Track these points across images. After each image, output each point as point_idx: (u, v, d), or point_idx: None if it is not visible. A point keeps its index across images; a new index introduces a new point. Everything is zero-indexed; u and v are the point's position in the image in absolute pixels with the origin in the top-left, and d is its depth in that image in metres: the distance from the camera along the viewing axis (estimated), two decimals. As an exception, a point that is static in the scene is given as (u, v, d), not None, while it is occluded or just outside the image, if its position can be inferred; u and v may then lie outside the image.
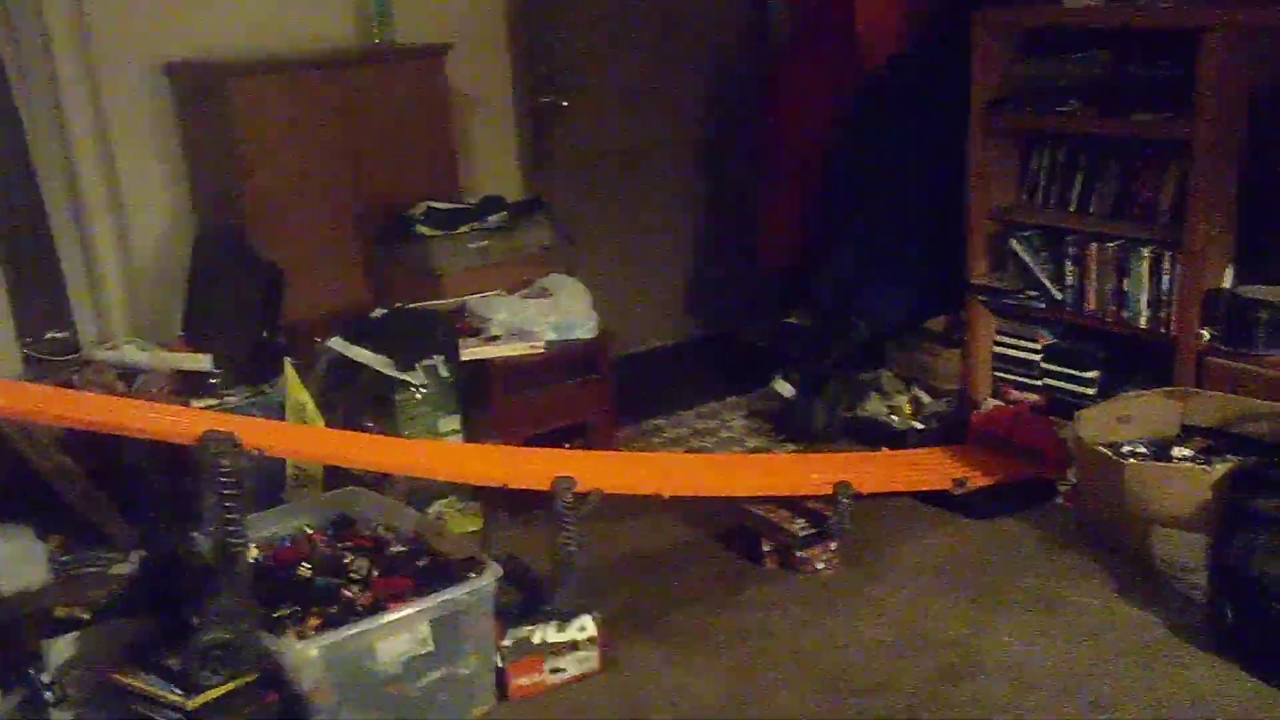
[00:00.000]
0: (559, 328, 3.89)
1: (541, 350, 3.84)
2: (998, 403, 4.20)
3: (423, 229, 4.02)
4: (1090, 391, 4.02)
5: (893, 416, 4.30)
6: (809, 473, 3.68)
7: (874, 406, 4.36)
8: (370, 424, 3.61)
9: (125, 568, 3.15)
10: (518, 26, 4.73)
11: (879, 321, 4.47)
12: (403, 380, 3.65)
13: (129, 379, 3.62)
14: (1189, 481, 3.19)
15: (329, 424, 3.53)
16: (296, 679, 2.58)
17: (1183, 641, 2.97)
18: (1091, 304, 3.98)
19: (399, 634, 2.65)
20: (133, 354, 3.72)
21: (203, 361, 3.68)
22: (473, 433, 3.75)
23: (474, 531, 3.52)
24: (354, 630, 2.60)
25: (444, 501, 3.66)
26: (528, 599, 3.00)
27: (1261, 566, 2.82)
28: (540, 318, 3.88)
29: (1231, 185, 3.64)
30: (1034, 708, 2.77)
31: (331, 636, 2.58)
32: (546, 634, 2.89)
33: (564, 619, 2.92)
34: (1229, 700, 2.75)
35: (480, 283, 4.03)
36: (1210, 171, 3.58)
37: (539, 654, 2.89)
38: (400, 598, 2.72)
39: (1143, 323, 3.85)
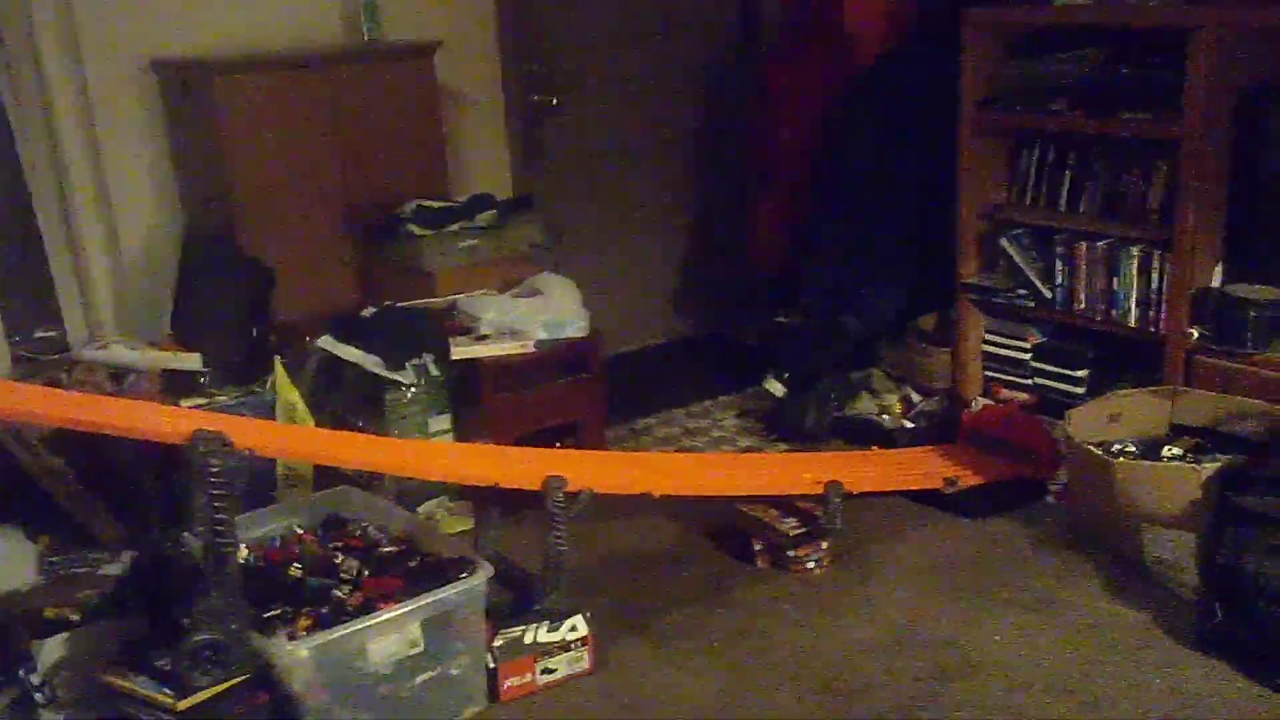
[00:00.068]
0: (549, 327, 3.88)
1: (532, 349, 3.83)
2: (988, 402, 4.21)
3: (412, 227, 4.01)
4: (1080, 390, 4.03)
5: (884, 416, 4.31)
6: (800, 472, 3.68)
7: (865, 406, 4.36)
8: (360, 423, 3.60)
9: (115, 568, 3.14)
10: (508, 24, 4.71)
11: (870, 320, 4.48)
12: (393, 379, 3.65)
13: (118, 378, 3.60)
14: (1179, 480, 3.19)
15: (319, 423, 3.53)
16: (287, 679, 2.57)
17: (1173, 640, 2.98)
18: (1081, 303, 3.99)
19: (390, 634, 2.65)
20: (122, 353, 3.71)
21: (192, 361, 3.67)
22: (463, 432, 3.75)
23: (465, 531, 3.51)
24: (345, 631, 2.60)
25: (435, 501, 3.66)
26: (519, 599, 3.00)
27: (1251, 565, 2.82)
28: (531, 317, 3.87)
29: (1220, 184, 3.65)
30: (1025, 706, 2.78)
31: (322, 637, 2.58)
32: (538, 634, 2.89)
33: (555, 619, 2.91)
34: (1219, 698, 2.76)
35: (470, 281, 4.03)
36: (1199, 171, 3.58)
37: (530, 654, 2.89)
38: (391, 598, 2.72)
39: (1132, 322, 3.85)
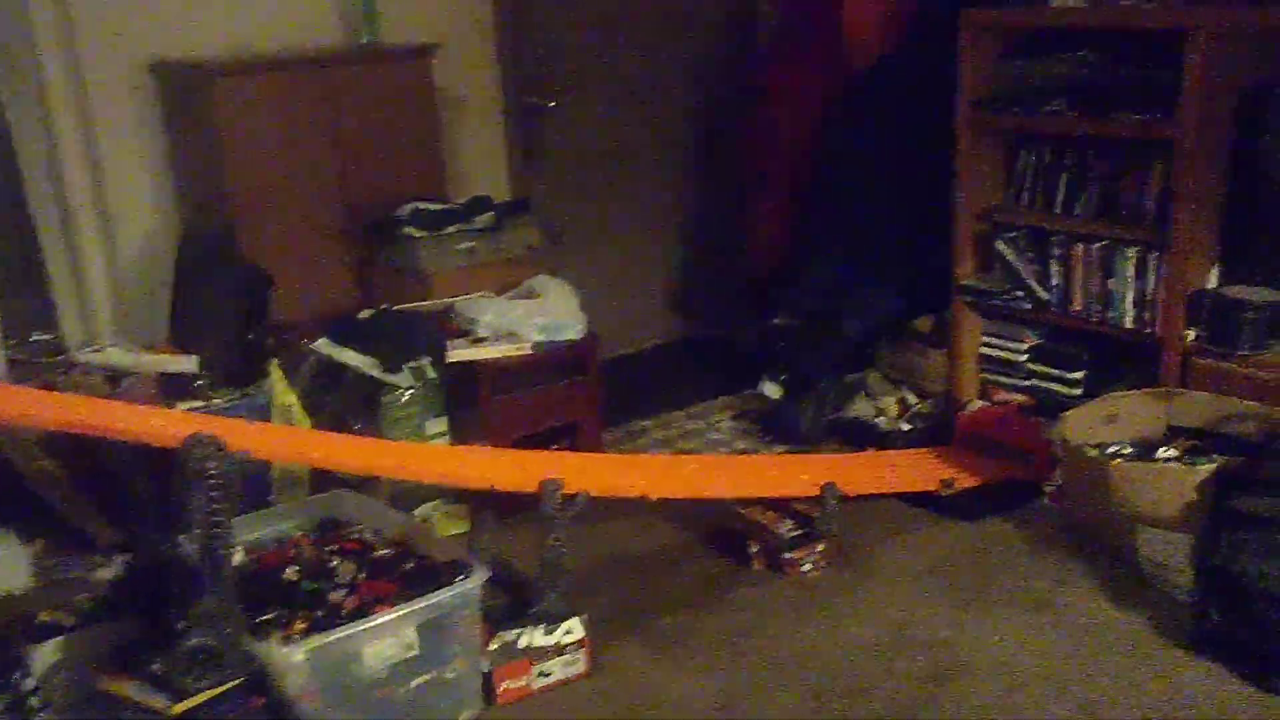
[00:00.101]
0: (546, 329, 3.88)
1: (529, 351, 3.83)
2: (984, 403, 4.21)
3: (410, 230, 4.01)
4: (1076, 392, 4.03)
5: (879, 418, 4.31)
6: (796, 474, 3.68)
7: (861, 408, 4.36)
8: (357, 426, 3.60)
9: (110, 572, 3.13)
10: (505, 27, 4.72)
11: (866, 322, 4.48)
12: (390, 382, 3.64)
13: (114, 381, 3.59)
14: (1175, 481, 3.20)
15: (315, 426, 3.52)
16: (282, 683, 2.57)
17: (1168, 641, 2.98)
18: (1077, 304, 3.99)
19: (385, 638, 2.65)
20: (118, 356, 3.70)
21: (188, 363, 3.66)
22: (460, 434, 3.75)
23: (461, 534, 3.51)
24: (340, 634, 2.59)
25: (431, 504, 3.65)
26: (515, 601, 3.00)
27: (1246, 566, 2.83)
28: (527, 319, 3.87)
29: (1216, 186, 3.65)
30: (1021, 708, 2.78)
31: (317, 640, 2.57)
32: (534, 637, 2.89)
33: (551, 622, 2.91)
34: (1214, 700, 2.76)
35: (467, 284, 4.03)
36: (1195, 172, 3.58)
37: (526, 657, 2.89)
38: (387, 601, 2.72)
39: (1128, 323, 3.85)
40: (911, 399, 4.39)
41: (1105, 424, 3.62)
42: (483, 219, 4.13)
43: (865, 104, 4.58)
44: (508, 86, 4.79)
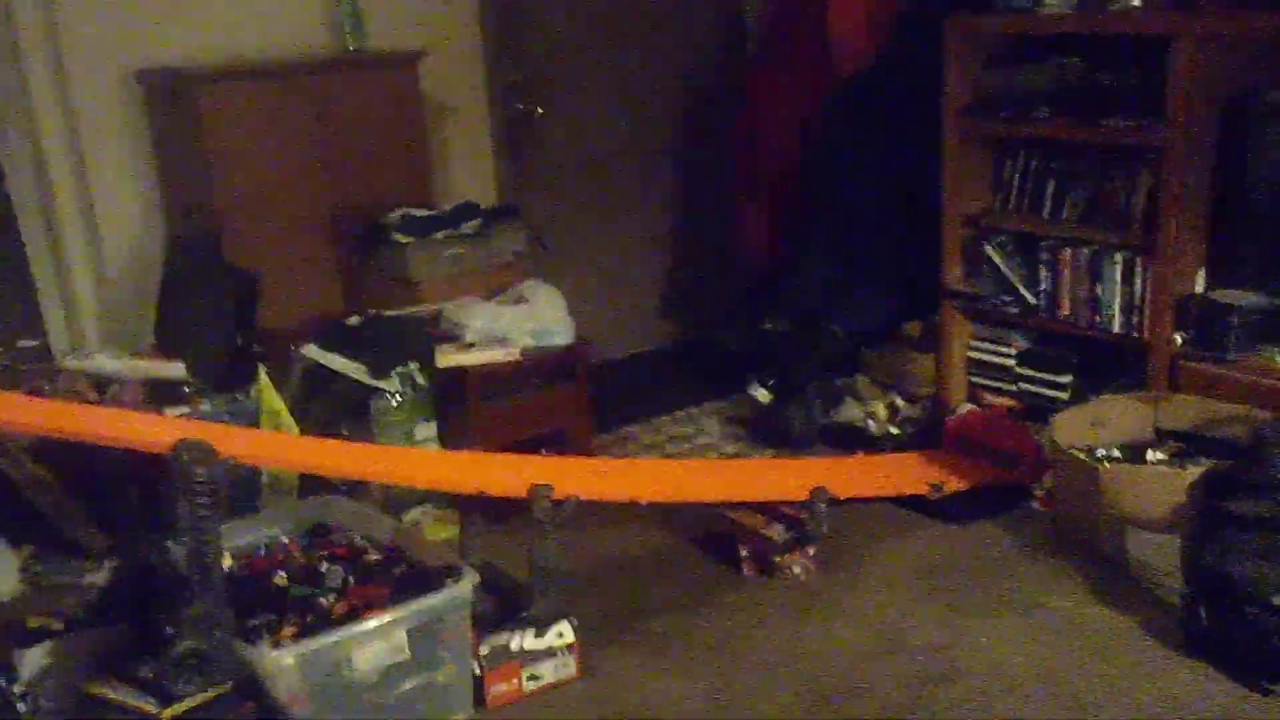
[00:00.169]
0: (535, 334, 3.88)
1: (518, 357, 3.83)
2: (973, 407, 4.22)
3: (398, 235, 4.01)
4: (1065, 396, 4.04)
5: (869, 422, 4.31)
6: (786, 478, 3.68)
7: (850, 412, 4.36)
8: (346, 431, 3.59)
9: (99, 577, 3.12)
10: (492, 34, 4.72)
11: (855, 327, 4.49)
12: (378, 388, 3.64)
13: (102, 387, 3.59)
14: (1164, 485, 3.21)
15: (304, 431, 3.51)
16: (272, 688, 2.56)
17: (1158, 644, 2.98)
18: (1065, 309, 4.00)
19: (375, 642, 2.64)
20: (105, 362, 3.69)
21: (176, 369, 3.65)
22: (449, 440, 3.74)
23: (451, 538, 3.50)
24: (330, 639, 2.58)
25: (420, 508, 3.65)
26: (505, 606, 2.99)
27: (1236, 569, 2.83)
28: (516, 324, 3.87)
29: (1203, 191, 3.67)
30: (1012, 710, 2.78)
31: (307, 645, 2.57)
32: (524, 641, 2.89)
33: (542, 626, 2.91)
34: (1204, 702, 2.76)
35: (456, 289, 4.02)
36: (1181, 177, 3.60)
37: (517, 661, 2.88)
38: (377, 606, 2.71)
39: (1116, 327, 3.87)
40: (901, 403, 4.39)
41: (1094, 427, 3.63)
42: (471, 225, 4.13)
43: (853, 109, 4.59)
44: (495, 93, 4.79)
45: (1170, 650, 2.95)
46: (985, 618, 3.16)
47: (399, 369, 3.68)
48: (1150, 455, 3.50)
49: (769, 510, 3.47)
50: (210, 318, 3.77)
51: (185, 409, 3.52)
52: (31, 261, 4.01)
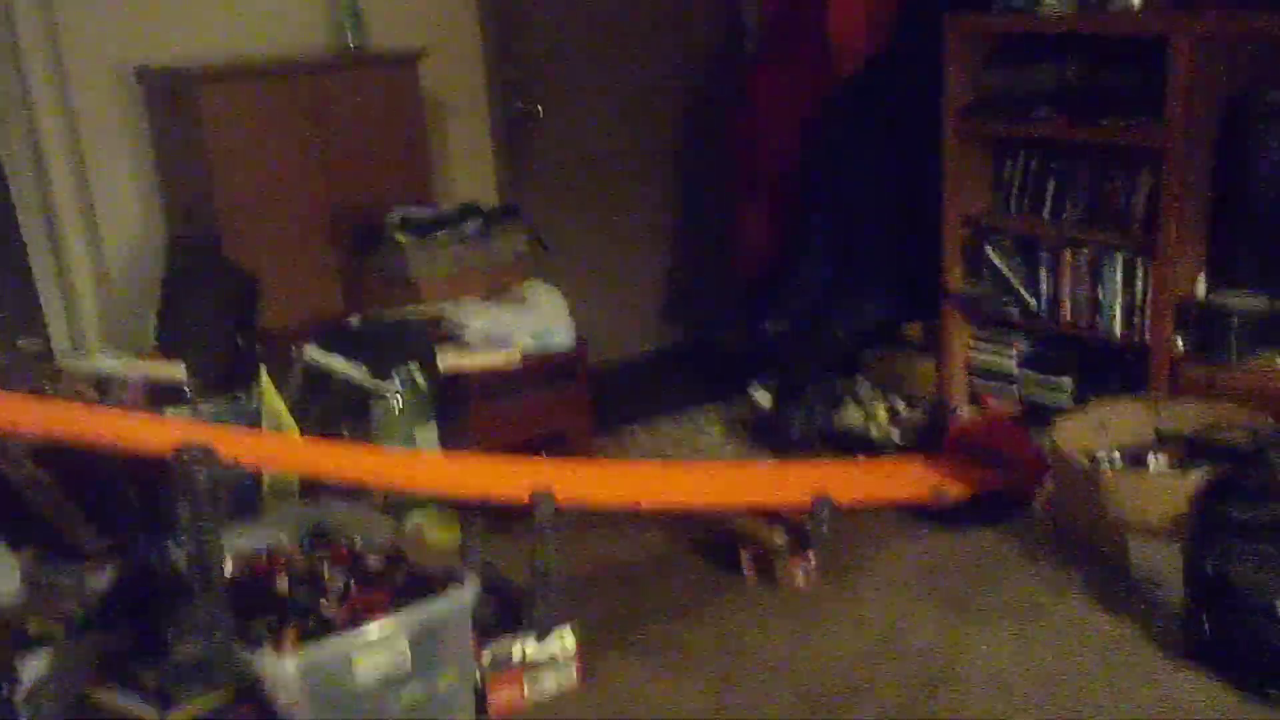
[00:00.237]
0: (536, 336, 3.88)
1: (518, 358, 3.83)
2: (974, 411, 4.22)
3: (398, 236, 4.00)
4: (1065, 399, 4.04)
5: (870, 425, 4.30)
6: (787, 483, 3.68)
7: (851, 415, 4.36)
8: (346, 433, 3.59)
9: (100, 581, 3.11)
10: (492, 33, 4.71)
11: (855, 329, 4.48)
12: (378, 389, 3.63)
13: (102, 388, 3.58)
14: (1164, 490, 3.21)
15: (304, 433, 3.51)
16: (273, 693, 2.55)
17: (1159, 651, 2.98)
18: (1066, 311, 4.00)
19: (376, 648, 2.63)
20: (106, 363, 3.68)
21: (177, 370, 3.64)
22: (449, 442, 3.73)
23: (452, 543, 3.49)
24: (331, 644, 2.58)
25: (421, 512, 3.63)
26: (506, 612, 2.99)
27: (1237, 574, 2.83)
28: (517, 326, 3.87)
29: (1203, 192, 3.67)
30: (1012, 717, 2.78)
31: (309, 650, 2.56)
32: (526, 648, 2.88)
33: (543, 632, 2.91)
34: (1205, 710, 2.77)
35: (456, 290, 4.02)
36: (1181, 178, 3.60)
37: (518, 668, 2.88)
38: (377, 611, 2.70)
39: (1117, 330, 3.87)
40: (901, 406, 4.38)
41: (1095, 431, 3.63)
42: (471, 225, 4.12)
43: (852, 108, 4.58)
44: (495, 92, 4.78)
45: (1171, 656, 2.95)
46: (986, 623, 3.16)
47: (399, 371, 3.67)
48: (1151, 459, 3.50)
49: (770, 515, 3.47)
50: (211, 318, 3.77)
51: (186, 410, 3.51)
52: (32, 262, 3.99)
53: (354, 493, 3.35)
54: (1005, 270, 4.14)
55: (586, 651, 2.98)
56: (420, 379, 3.71)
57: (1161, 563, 3.15)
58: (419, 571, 2.89)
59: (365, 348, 3.70)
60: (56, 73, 3.86)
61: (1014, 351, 4.20)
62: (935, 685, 2.90)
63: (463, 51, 4.66)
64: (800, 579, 3.39)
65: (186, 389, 3.62)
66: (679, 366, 5.31)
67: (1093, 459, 3.51)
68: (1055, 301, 4.03)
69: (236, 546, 2.95)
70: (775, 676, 2.98)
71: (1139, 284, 3.80)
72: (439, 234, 4.04)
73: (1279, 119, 3.55)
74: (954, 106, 4.11)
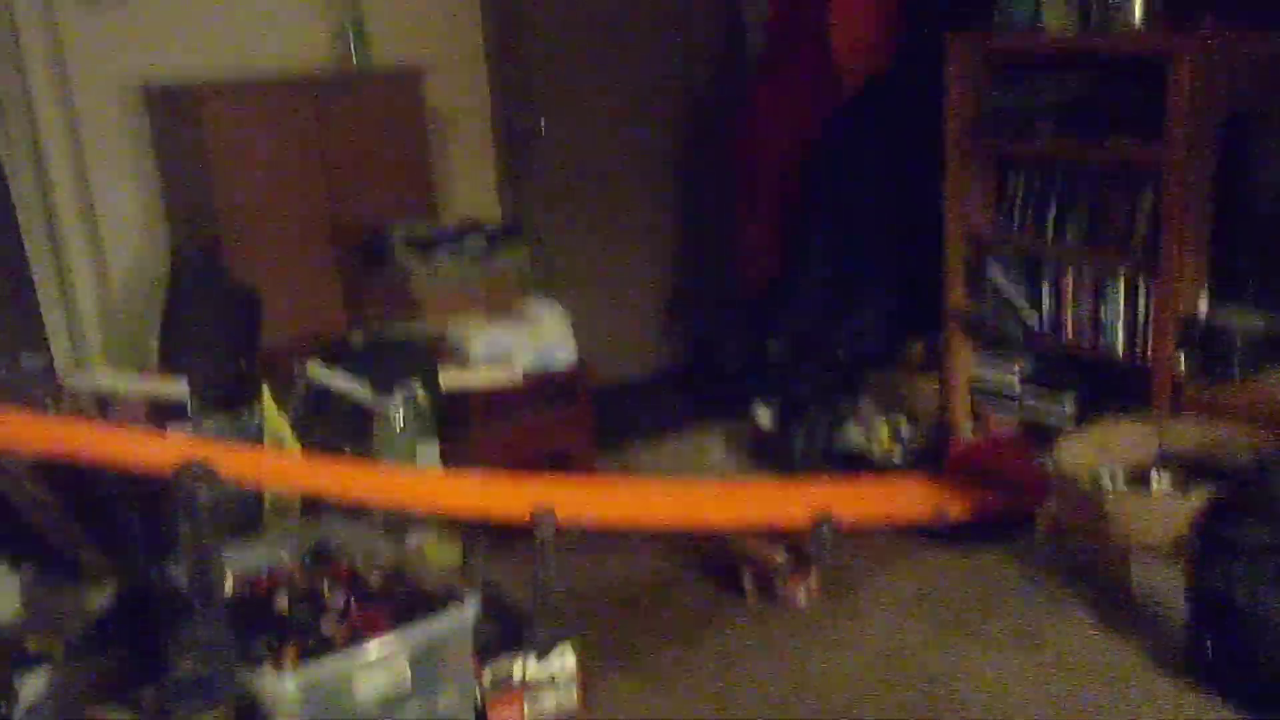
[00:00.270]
0: (538, 354, 3.88)
1: (520, 378, 3.82)
2: (977, 431, 4.21)
3: (401, 253, 4.00)
4: (1068, 418, 4.03)
5: (872, 444, 4.30)
6: (789, 503, 3.67)
7: (853, 434, 4.35)
8: (348, 451, 3.58)
9: (100, 600, 3.11)
10: (495, 51, 4.72)
11: (857, 348, 4.48)
12: (381, 407, 3.63)
13: (104, 405, 3.58)
14: (1167, 510, 3.20)
15: (306, 451, 3.50)
16: (273, 712, 2.54)
17: (1162, 672, 2.97)
18: (1068, 330, 3.99)
19: (377, 667, 2.63)
20: (108, 380, 3.69)
21: (179, 388, 3.64)
22: (451, 460, 3.73)
23: (453, 562, 3.49)
24: (332, 663, 2.57)
25: (423, 531, 3.63)
26: (507, 631, 2.98)
27: (1241, 596, 2.82)
28: (519, 344, 3.87)
29: (1205, 211, 3.67)
30: (1015, 739, 2.78)
31: (309, 669, 2.55)
32: (526, 667, 2.87)
33: (544, 652, 2.90)
34: (1209, 731, 2.76)
35: (459, 308, 4.02)
36: (1182, 197, 3.59)
37: (518, 688, 2.87)
38: (378, 630, 2.69)
39: (1119, 349, 3.86)
40: (903, 426, 4.38)
41: (1097, 451, 3.62)
42: (474, 243, 4.12)
43: (854, 128, 4.58)
44: (498, 109, 4.79)
45: (1175, 679, 2.93)
46: (988, 644, 3.15)
47: (401, 389, 3.67)
48: (1154, 480, 3.49)
49: (771, 535, 3.46)
50: (213, 336, 3.77)
51: (188, 427, 3.51)
52: (34, 278, 4.00)
53: (355, 511, 3.35)
54: (1007, 289, 4.13)
55: (587, 671, 2.97)
56: (422, 397, 3.70)
57: (1164, 583, 3.14)
58: (419, 590, 2.89)
59: (367, 365, 3.70)
60: (61, 88, 3.88)
61: (1016, 370, 4.19)
62: (936, 706, 2.89)
63: (466, 67, 4.67)
64: (801, 599, 3.38)
65: (189, 406, 3.62)
66: (681, 385, 5.30)
67: (1095, 479, 3.50)
68: (1057, 320, 4.02)
69: (237, 564, 2.96)
70: (776, 697, 2.97)
71: (1141, 303, 3.79)
72: (442, 252, 4.05)
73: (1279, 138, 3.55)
74: (956, 125, 4.11)
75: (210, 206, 3.90)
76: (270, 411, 3.51)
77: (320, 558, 3.10)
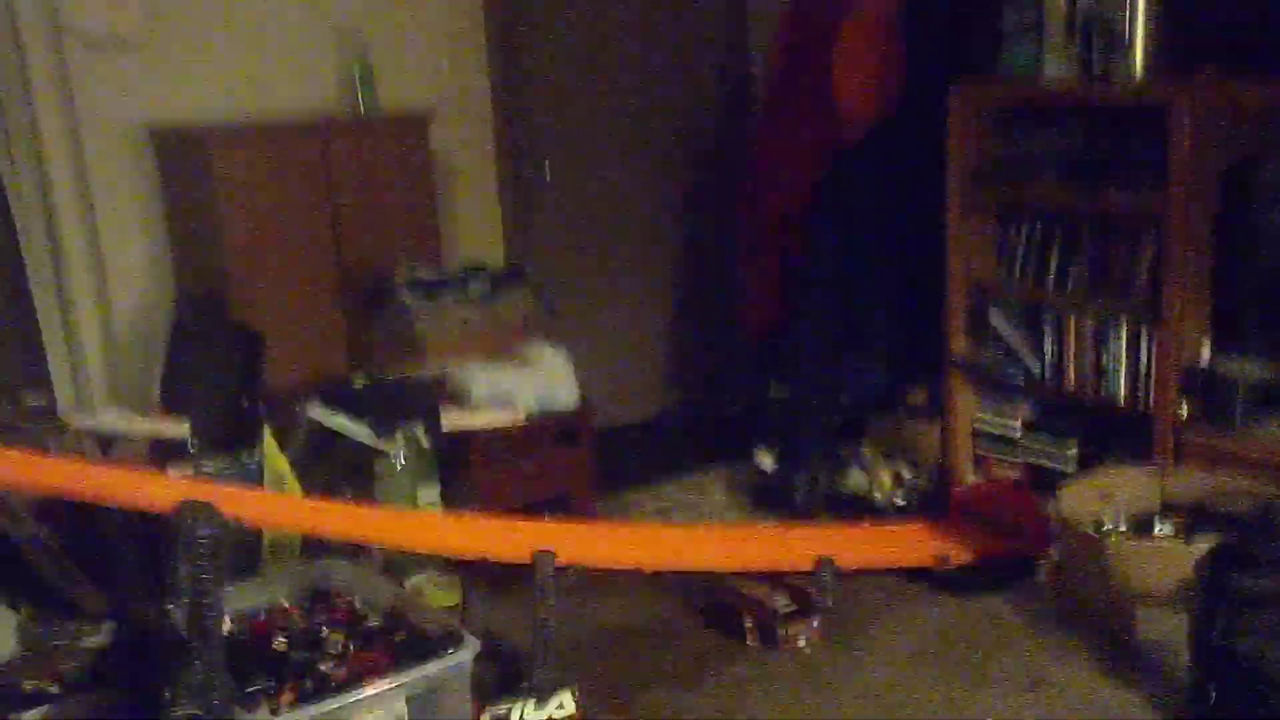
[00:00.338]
0: (540, 397, 3.89)
1: (522, 420, 3.83)
2: (979, 477, 4.20)
3: (405, 296, 4.02)
4: (1070, 466, 4.02)
5: (874, 490, 4.29)
6: (790, 547, 3.66)
7: (855, 480, 4.35)
8: (349, 493, 3.58)
9: (97, 639, 3.09)
10: (501, 96, 4.77)
11: (859, 394, 4.48)
12: (382, 449, 3.63)
13: (106, 446, 3.58)
14: (1170, 559, 3.19)
15: (307, 492, 3.50)
16: (270, 756, 2.53)
17: (1166, 721, 2.95)
18: (1070, 378, 3.99)
19: (375, 710, 2.61)
20: (110, 420, 3.69)
21: (180, 428, 3.64)
22: (452, 502, 3.73)
23: (453, 605, 3.47)
24: (329, 706, 2.56)
25: (423, 574, 3.61)
26: (506, 674, 2.96)
27: (1244, 646, 2.80)
28: (521, 387, 3.88)
29: (1206, 259, 3.68)
30: (1017, 789, 2.75)
31: (306, 712, 2.54)
32: (525, 712, 2.85)
33: (543, 696, 2.88)
34: (1213, 782, 2.73)
35: (462, 351, 4.03)
36: (1183, 247, 3.61)
37: (517, 733, 2.85)
38: (377, 672, 2.68)
39: (1121, 397, 3.86)
40: (906, 471, 4.37)
41: (1100, 498, 3.61)
42: (477, 287, 4.14)
43: (857, 175, 4.60)
44: (504, 154, 4.83)
45: (1178, 727, 2.92)
46: (989, 692, 3.13)
47: (403, 431, 3.67)
48: (1157, 528, 3.48)
49: (773, 579, 3.45)
50: (216, 377, 3.77)
51: (189, 468, 3.51)
52: (39, 318, 4.02)
53: (355, 551, 3.35)
54: (1009, 336, 4.14)
55: (586, 714, 2.95)
56: (424, 439, 3.71)
57: (1168, 631, 3.13)
58: (419, 632, 2.88)
59: (369, 407, 3.71)
60: (70, 131, 3.91)
61: (1018, 417, 4.19)
62: (939, 755, 2.88)
63: (472, 114, 4.71)
64: (803, 643, 3.37)
65: (190, 447, 3.62)
66: (683, 429, 5.30)
67: (1097, 526, 3.49)
68: (1059, 367, 4.02)
69: (235, 605, 2.95)
70: (777, 744, 2.95)
71: (1143, 350, 3.79)
72: (446, 295, 4.06)
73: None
74: (957, 173, 4.13)
75: (216, 248, 3.92)
76: (271, 452, 3.51)
77: (319, 598, 3.09)
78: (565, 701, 2.90)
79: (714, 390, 5.40)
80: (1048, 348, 4.04)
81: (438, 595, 3.55)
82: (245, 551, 3.30)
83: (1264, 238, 3.61)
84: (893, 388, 4.54)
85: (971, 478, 4.22)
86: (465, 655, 2.73)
